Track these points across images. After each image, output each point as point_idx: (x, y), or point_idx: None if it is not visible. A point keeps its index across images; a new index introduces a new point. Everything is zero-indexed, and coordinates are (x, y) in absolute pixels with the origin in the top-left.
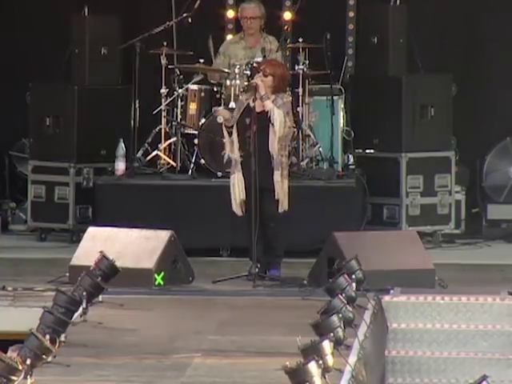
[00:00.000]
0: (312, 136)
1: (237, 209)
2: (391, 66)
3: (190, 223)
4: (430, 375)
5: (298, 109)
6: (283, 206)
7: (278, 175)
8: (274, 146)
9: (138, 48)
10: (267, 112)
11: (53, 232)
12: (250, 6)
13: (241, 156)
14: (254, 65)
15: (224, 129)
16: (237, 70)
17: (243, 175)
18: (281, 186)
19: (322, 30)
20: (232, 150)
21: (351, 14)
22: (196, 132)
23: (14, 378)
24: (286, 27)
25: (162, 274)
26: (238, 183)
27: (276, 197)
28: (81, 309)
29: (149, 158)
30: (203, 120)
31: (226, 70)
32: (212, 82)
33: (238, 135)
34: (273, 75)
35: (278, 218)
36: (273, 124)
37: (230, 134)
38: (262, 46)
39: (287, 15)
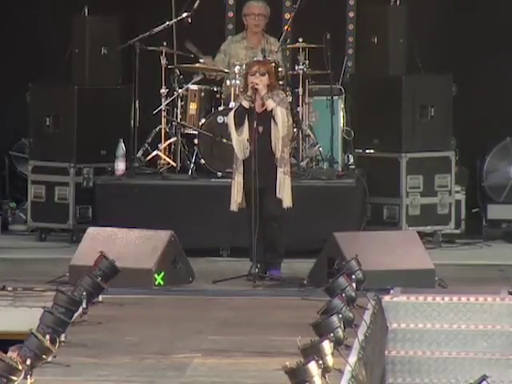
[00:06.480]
0: (312, 136)
1: (233, 206)
2: (391, 66)
3: (189, 223)
4: (430, 375)
5: (298, 109)
6: (287, 202)
7: (280, 172)
8: (277, 144)
9: (137, 48)
10: (268, 112)
11: (53, 232)
12: (257, 4)
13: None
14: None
15: (233, 127)
16: (237, 70)
17: (243, 177)
18: (283, 182)
19: (322, 30)
20: (240, 149)
21: (351, 14)
22: (196, 132)
23: (14, 377)
24: (286, 27)
25: (162, 274)
26: (236, 186)
27: (277, 194)
28: (81, 309)
29: (149, 157)
30: (203, 120)
31: (226, 70)
32: (211, 78)
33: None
34: (268, 73)
35: (280, 217)
36: (276, 123)
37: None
38: (262, 47)
39: (287, 15)
